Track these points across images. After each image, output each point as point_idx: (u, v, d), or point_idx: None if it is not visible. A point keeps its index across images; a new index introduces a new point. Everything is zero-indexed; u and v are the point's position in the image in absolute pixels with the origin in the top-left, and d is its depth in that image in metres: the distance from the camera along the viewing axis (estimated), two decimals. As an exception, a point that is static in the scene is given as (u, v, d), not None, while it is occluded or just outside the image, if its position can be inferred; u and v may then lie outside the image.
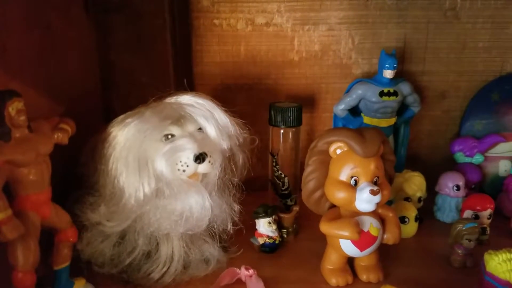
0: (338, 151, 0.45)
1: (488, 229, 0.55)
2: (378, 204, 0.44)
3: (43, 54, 0.50)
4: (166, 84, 0.57)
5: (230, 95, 0.68)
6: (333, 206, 0.47)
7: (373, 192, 0.42)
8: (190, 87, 0.50)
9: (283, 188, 0.61)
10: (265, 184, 0.64)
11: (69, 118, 0.45)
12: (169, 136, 0.45)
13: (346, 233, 0.43)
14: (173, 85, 0.64)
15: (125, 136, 0.43)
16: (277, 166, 0.60)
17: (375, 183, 0.44)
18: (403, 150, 0.66)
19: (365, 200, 0.43)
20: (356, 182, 0.44)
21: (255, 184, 0.66)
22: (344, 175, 0.45)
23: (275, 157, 0.60)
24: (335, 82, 0.67)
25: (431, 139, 0.70)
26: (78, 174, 0.51)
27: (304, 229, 0.60)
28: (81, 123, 0.48)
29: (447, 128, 0.69)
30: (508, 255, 0.40)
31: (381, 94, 0.58)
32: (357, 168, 0.44)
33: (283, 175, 0.60)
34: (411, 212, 0.56)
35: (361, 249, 0.45)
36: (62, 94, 0.53)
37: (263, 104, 0.60)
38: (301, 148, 0.62)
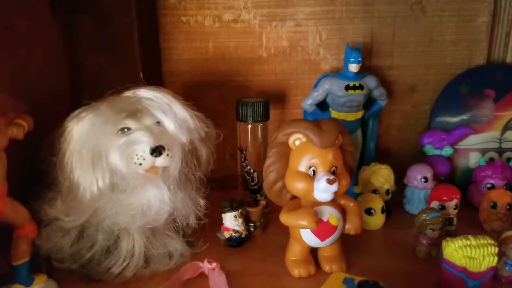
0: (297, 142, 0.46)
1: (455, 219, 0.55)
2: (336, 194, 0.44)
3: (3, 53, 0.50)
4: (135, 83, 0.57)
5: (200, 92, 0.68)
6: (294, 197, 0.47)
7: (329, 181, 0.42)
8: (159, 85, 0.50)
9: (252, 183, 0.61)
10: (238, 182, 0.64)
11: (31, 117, 0.45)
12: (125, 130, 0.44)
13: (304, 223, 0.43)
14: (142, 84, 0.64)
15: (79, 130, 0.43)
16: (246, 162, 0.60)
17: (333, 173, 0.44)
18: (372, 144, 0.66)
19: (322, 189, 0.43)
20: (314, 172, 0.44)
21: (230, 181, 0.66)
22: (303, 166, 0.45)
23: (244, 152, 0.60)
24: (304, 78, 0.67)
25: (401, 133, 0.70)
26: (39, 171, 0.51)
27: (273, 223, 0.59)
28: (49, 124, 0.47)
29: (417, 122, 0.70)
30: (465, 241, 0.40)
31: (347, 88, 0.59)
32: (315, 159, 0.44)
33: (252, 170, 0.60)
34: (378, 203, 0.56)
35: (322, 239, 0.45)
36: (26, 94, 0.53)
37: (233, 101, 0.60)
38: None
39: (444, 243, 0.41)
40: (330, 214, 0.45)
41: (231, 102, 0.61)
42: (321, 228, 0.44)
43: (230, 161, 0.72)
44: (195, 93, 0.68)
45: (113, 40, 0.64)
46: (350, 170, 0.48)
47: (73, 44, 0.64)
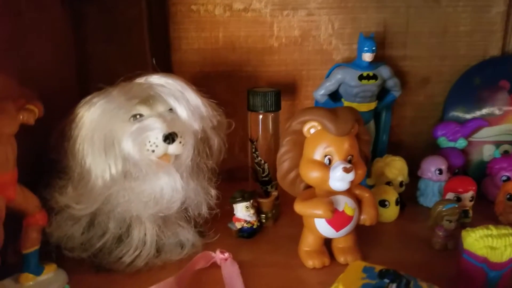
0: (312, 131, 0.45)
1: (470, 211, 0.54)
2: (352, 183, 0.43)
3: (12, 41, 0.49)
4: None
5: (209, 83, 0.67)
6: (308, 186, 0.46)
7: (346, 170, 0.42)
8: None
9: (263, 175, 0.60)
10: (248, 173, 0.63)
11: (41, 103, 0.45)
12: (138, 116, 0.44)
13: (319, 212, 0.42)
14: (153, 70, 0.63)
15: (91, 116, 0.42)
16: (257, 153, 0.59)
17: (349, 162, 0.43)
18: (385, 136, 0.65)
19: (338, 178, 0.42)
20: (330, 161, 0.43)
21: (239, 173, 0.65)
22: (318, 155, 0.44)
23: (254, 143, 0.59)
24: (316, 68, 0.66)
25: (414, 125, 0.69)
26: (49, 159, 0.50)
27: (284, 215, 0.59)
28: (56, 114, 0.46)
29: (430, 114, 0.68)
30: (486, 231, 0.39)
31: (360, 77, 0.58)
32: (330, 147, 0.43)
33: (262, 162, 0.59)
34: (392, 195, 0.55)
35: (337, 229, 0.44)
36: (34, 82, 0.52)
37: (243, 92, 0.59)
38: (280, 137, 0.61)
39: (464, 233, 0.40)
40: (345, 204, 0.44)
41: (241, 93, 0.60)
42: (336, 218, 0.44)
43: (240, 153, 0.71)
44: (204, 83, 0.65)
45: (121, 30, 0.63)
46: (366, 159, 0.47)
47: (81, 34, 0.63)
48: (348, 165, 0.42)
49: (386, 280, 0.32)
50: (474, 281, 0.39)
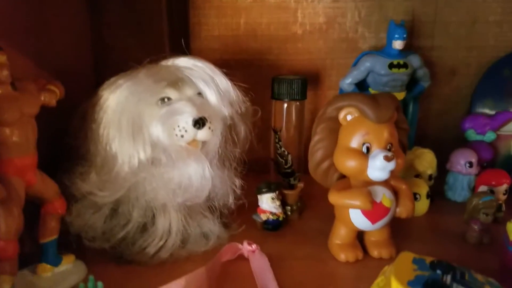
0: (349, 117, 0.42)
1: (503, 205, 0.52)
2: (392, 173, 0.41)
3: (32, 27, 0.47)
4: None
5: (229, 71, 0.64)
6: (341, 177, 0.44)
7: (387, 158, 0.39)
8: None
9: (286, 166, 0.57)
10: (266, 166, 0.61)
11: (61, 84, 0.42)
12: (166, 100, 0.41)
13: (357, 203, 0.40)
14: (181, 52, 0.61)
15: (117, 99, 0.40)
16: (280, 143, 0.57)
17: (389, 151, 0.41)
18: (413, 129, 0.63)
19: (378, 167, 0.40)
20: (368, 149, 0.41)
21: (257, 165, 0.62)
22: (355, 142, 0.41)
23: (278, 133, 0.57)
24: (341, 57, 0.64)
25: (440, 118, 0.67)
26: (68, 146, 0.48)
27: (309, 208, 0.57)
28: (73, 100, 0.44)
29: (457, 107, 0.66)
30: (533, 224, 0.37)
31: (391, 66, 0.56)
32: (369, 135, 0.41)
33: (286, 152, 0.57)
34: (422, 188, 0.53)
35: (373, 222, 0.42)
36: (52, 69, 0.50)
37: (264, 81, 0.57)
38: (305, 128, 0.59)
39: (510, 225, 0.38)
40: (383, 195, 0.42)
41: (262, 83, 0.58)
42: (373, 210, 0.41)
43: (258, 145, 0.68)
44: (227, 75, 0.64)
45: (140, 16, 0.60)
46: (403, 149, 0.45)
47: (99, 21, 0.60)
48: (389, 153, 0.40)
49: (439, 272, 0.30)
50: (524, 276, 0.37)
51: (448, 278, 0.30)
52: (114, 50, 0.61)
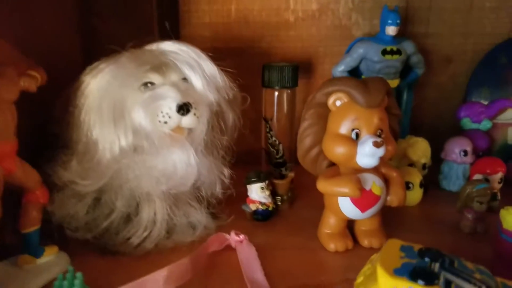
0: (338, 103, 0.41)
1: (498, 194, 0.51)
2: (381, 159, 0.40)
3: (16, 11, 0.46)
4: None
5: (221, 60, 0.63)
6: (331, 165, 0.43)
7: (376, 144, 0.38)
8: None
9: (277, 156, 0.56)
10: (259, 158, 0.60)
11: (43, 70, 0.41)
12: (149, 85, 0.40)
13: (346, 190, 0.39)
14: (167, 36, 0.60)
15: (98, 84, 0.39)
16: (271, 132, 0.56)
17: (379, 137, 0.40)
18: (407, 117, 0.62)
19: (368, 153, 0.39)
20: (357, 135, 0.40)
21: (249, 157, 0.61)
22: (344, 128, 0.40)
23: (269, 122, 0.56)
24: (334, 44, 0.63)
25: (435, 107, 0.66)
26: (52, 134, 0.46)
27: (301, 199, 0.56)
28: (59, 88, 0.43)
29: (452, 95, 0.65)
30: (527, 211, 0.36)
31: (384, 52, 0.54)
32: (358, 120, 0.40)
33: (277, 142, 0.56)
34: (416, 177, 0.52)
35: (362, 210, 0.41)
36: (38, 55, 0.48)
37: (256, 69, 0.56)
38: (297, 117, 0.58)
39: (504, 212, 0.37)
40: (373, 183, 0.41)
41: (254, 71, 0.56)
42: (362, 198, 0.40)
43: (250, 136, 0.67)
44: (214, 60, 0.63)
45: (129, 2, 0.59)
46: (395, 136, 0.43)
47: (87, 7, 0.59)
48: (379, 139, 0.38)
49: (427, 259, 0.29)
50: (517, 264, 0.36)
51: (436, 266, 0.29)
52: (103, 36, 0.60)
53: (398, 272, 0.28)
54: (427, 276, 0.27)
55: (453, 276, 0.28)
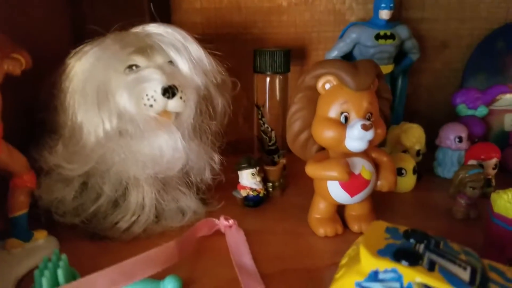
0: (327, 86, 0.40)
1: (493, 180, 0.50)
2: (371, 143, 0.39)
3: None
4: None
5: (212, 46, 0.62)
6: (321, 149, 0.42)
7: (365, 127, 0.37)
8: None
9: (269, 143, 0.56)
10: (251, 145, 0.59)
11: (28, 53, 0.40)
12: (134, 68, 0.40)
13: (334, 173, 0.38)
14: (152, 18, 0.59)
15: (82, 66, 0.38)
16: (263, 119, 0.55)
17: (368, 120, 0.39)
18: (401, 104, 0.61)
19: (356, 137, 0.38)
20: (346, 119, 0.39)
21: (243, 145, 0.61)
22: (333, 112, 0.39)
23: (261, 109, 0.55)
24: (327, 30, 0.62)
25: (431, 94, 0.65)
26: (40, 119, 0.46)
27: (292, 185, 0.55)
28: (48, 73, 0.43)
29: (448, 82, 0.64)
30: (518, 194, 0.35)
31: (377, 37, 0.53)
32: (347, 103, 0.39)
33: (269, 129, 0.55)
34: (409, 163, 0.51)
35: (352, 194, 0.40)
36: (27, 39, 0.48)
37: (248, 56, 0.55)
38: (289, 104, 0.57)
39: (495, 196, 0.36)
40: (362, 167, 0.40)
41: (246, 57, 0.55)
42: (351, 182, 0.40)
43: (244, 125, 0.66)
44: (206, 47, 0.62)
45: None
46: (385, 120, 0.43)
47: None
48: (368, 122, 0.38)
49: (413, 241, 0.29)
50: (507, 247, 0.35)
51: (421, 247, 0.28)
52: (92, 23, 0.59)
53: (381, 253, 0.27)
54: (411, 256, 0.27)
55: (438, 257, 0.27)
